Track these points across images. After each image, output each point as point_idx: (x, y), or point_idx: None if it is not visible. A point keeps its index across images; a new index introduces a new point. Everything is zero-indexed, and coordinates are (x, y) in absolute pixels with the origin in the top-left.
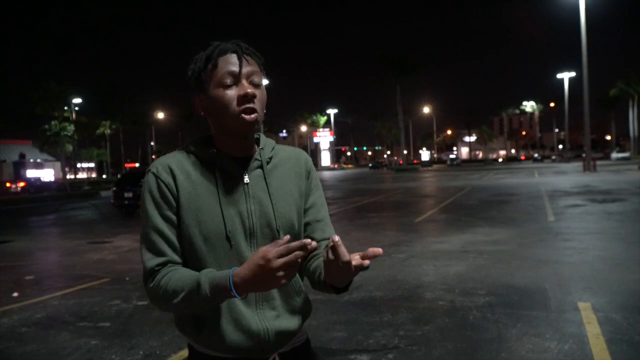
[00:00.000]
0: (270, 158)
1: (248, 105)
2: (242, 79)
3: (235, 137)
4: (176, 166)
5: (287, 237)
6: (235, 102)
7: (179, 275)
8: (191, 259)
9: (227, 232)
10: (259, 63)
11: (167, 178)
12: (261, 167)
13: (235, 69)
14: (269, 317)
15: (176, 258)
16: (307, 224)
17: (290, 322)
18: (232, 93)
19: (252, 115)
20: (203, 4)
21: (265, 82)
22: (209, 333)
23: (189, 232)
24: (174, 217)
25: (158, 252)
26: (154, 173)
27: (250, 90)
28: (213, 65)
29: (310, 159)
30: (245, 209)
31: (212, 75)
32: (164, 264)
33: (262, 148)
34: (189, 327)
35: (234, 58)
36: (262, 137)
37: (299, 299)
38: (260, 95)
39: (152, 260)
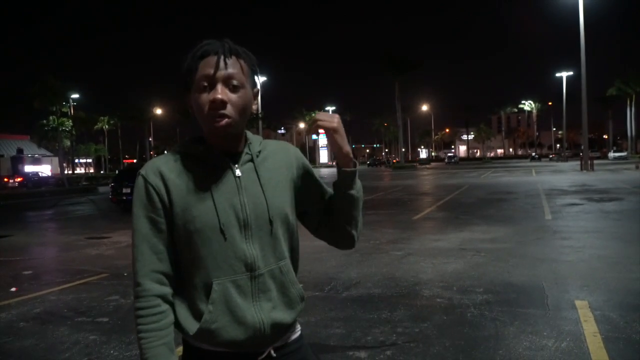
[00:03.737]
0: (259, 152)
1: (218, 112)
2: (217, 82)
3: (217, 138)
4: (165, 167)
5: None
6: (206, 107)
7: (152, 346)
8: (187, 253)
9: (221, 225)
10: (248, 63)
11: (154, 180)
12: (251, 160)
13: (211, 72)
14: (265, 309)
15: (159, 265)
16: (326, 194)
17: (285, 315)
18: (205, 97)
19: (222, 122)
20: None
21: (261, 79)
22: (205, 326)
23: (184, 228)
24: (160, 220)
25: (142, 260)
26: (142, 176)
27: (219, 95)
28: (194, 68)
29: (298, 150)
30: (239, 202)
31: (193, 78)
32: (146, 275)
33: (250, 143)
34: (185, 322)
35: (213, 60)
36: (249, 133)
37: (294, 290)
38: (238, 99)
39: (139, 271)
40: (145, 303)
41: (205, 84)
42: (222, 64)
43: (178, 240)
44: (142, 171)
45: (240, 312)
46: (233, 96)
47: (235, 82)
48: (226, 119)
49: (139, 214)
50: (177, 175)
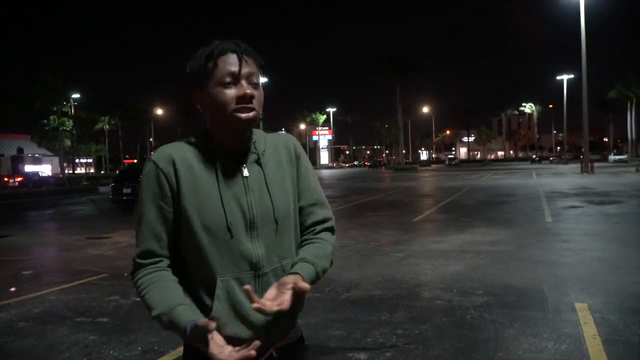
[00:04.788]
0: (264, 150)
1: (245, 105)
2: (242, 79)
3: (232, 133)
4: (178, 156)
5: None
6: (233, 102)
7: (155, 292)
8: (192, 249)
9: (228, 224)
10: (258, 64)
11: (167, 167)
12: (258, 159)
13: (235, 69)
14: None
15: (160, 251)
16: (301, 209)
17: (287, 315)
18: (231, 92)
19: (249, 114)
20: (203, 0)
21: (262, 80)
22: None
23: (190, 222)
24: (167, 208)
25: (144, 246)
26: (154, 161)
27: (249, 90)
28: (213, 64)
29: (298, 142)
30: (246, 202)
31: (212, 74)
32: (145, 258)
33: (255, 141)
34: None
35: (233, 58)
36: (254, 130)
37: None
38: (258, 95)
39: (139, 255)
40: (145, 270)
41: (229, 80)
42: (244, 61)
43: (182, 234)
44: (154, 157)
45: (245, 310)
46: (255, 92)
47: (255, 80)
48: (252, 112)
49: (146, 199)
50: (187, 168)
